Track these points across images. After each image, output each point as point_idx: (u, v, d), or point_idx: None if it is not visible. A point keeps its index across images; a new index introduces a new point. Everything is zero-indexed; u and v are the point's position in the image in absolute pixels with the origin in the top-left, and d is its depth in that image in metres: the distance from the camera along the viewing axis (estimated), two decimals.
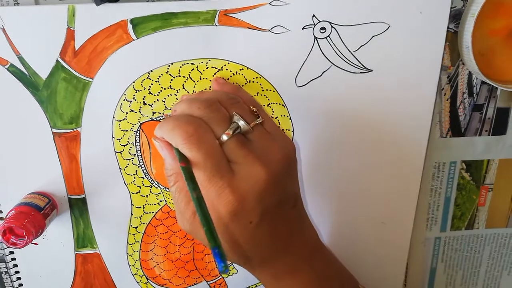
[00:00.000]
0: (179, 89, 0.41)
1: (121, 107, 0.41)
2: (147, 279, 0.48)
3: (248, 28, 0.39)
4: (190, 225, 0.34)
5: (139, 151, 0.43)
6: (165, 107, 0.41)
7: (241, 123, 0.33)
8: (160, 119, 0.42)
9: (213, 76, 0.41)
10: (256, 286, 0.49)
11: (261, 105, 0.39)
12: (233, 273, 0.49)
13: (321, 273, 0.37)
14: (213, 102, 0.34)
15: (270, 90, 0.42)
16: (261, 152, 0.32)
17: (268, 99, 0.42)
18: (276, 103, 0.42)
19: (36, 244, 0.45)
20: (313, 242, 0.38)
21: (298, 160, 0.42)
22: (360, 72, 0.42)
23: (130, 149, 0.43)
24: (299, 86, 0.42)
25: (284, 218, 0.35)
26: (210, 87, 0.41)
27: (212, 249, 0.27)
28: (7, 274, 0.46)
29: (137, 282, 0.48)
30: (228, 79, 0.41)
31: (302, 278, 0.36)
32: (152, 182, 0.44)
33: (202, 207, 0.29)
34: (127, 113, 0.41)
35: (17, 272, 0.46)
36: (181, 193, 0.34)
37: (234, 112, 0.33)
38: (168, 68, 0.40)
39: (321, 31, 0.40)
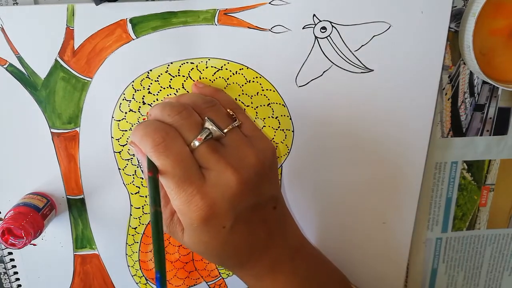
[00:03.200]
0: (179, 89, 0.41)
1: (120, 106, 0.41)
2: (147, 280, 0.47)
3: (248, 27, 0.39)
4: (167, 227, 0.34)
5: None
6: None
7: (213, 128, 0.32)
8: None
9: (212, 75, 0.41)
10: None
11: (241, 107, 0.38)
12: (233, 274, 0.48)
13: (304, 273, 0.38)
14: (185, 107, 0.33)
15: (270, 89, 0.41)
16: (234, 157, 0.32)
17: (268, 99, 0.42)
18: (276, 103, 0.42)
19: (34, 244, 0.45)
20: (296, 242, 0.38)
21: (296, 163, 0.42)
22: (361, 72, 0.41)
23: (129, 149, 0.42)
24: (300, 86, 0.41)
25: (262, 220, 0.35)
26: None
27: (155, 272, 0.28)
28: (6, 275, 0.46)
29: (136, 283, 0.48)
30: (227, 79, 0.41)
31: (284, 278, 0.36)
32: None
33: (157, 223, 0.29)
34: (126, 113, 0.41)
35: (15, 273, 0.46)
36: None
37: (206, 117, 0.33)
38: (167, 68, 0.40)
39: (322, 30, 0.40)
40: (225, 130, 0.33)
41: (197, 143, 0.32)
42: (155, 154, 0.31)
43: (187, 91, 0.41)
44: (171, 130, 0.32)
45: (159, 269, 0.28)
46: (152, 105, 0.41)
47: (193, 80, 0.41)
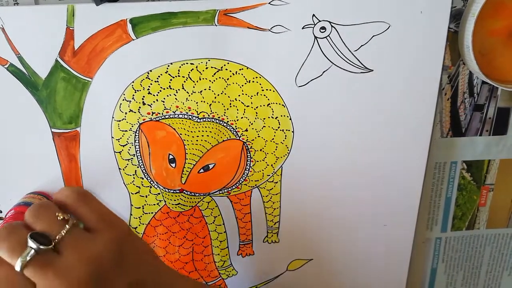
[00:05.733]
0: (179, 89, 0.41)
1: (120, 107, 0.41)
2: None
3: (248, 27, 0.39)
4: None
5: (138, 151, 0.43)
6: (164, 107, 0.41)
7: (34, 246, 0.30)
8: (160, 120, 0.42)
9: (212, 76, 0.41)
10: (256, 287, 0.49)
11: (76, 198, 0.33)
12: (232, 274, 0.48)
13: None
14: (10, 228, 0.31)
15: (270, 90, 0.41)
16: (64, 265, 0.31)
17: (268, 99, 0.42)
18: (276, 103, 0.42)
19: None
20: None
21: (296, 164, 0.42)
22: (361, 72, 0.41)
23: (129, 149, 0.42)
24: (299, 86, 0.42)
25: None
26: (206, 88, 0.41)
27: None
28: None
29: None
30: (228, 79, 0.41)
31: None
32: (152, 182, 0.44)
33: None
34: (126, 113, 0.41)
35: None
36: None
37: (28, 235, 0.30)
38: (167, 68, 0.40)
39: (321, 30, 0.40)
40: (56, 239, 0.31)
41: (20, 266, 0.30)
42: None
43: (187, 92, 0.41)
44: None
45: None
46: (151, 106, 0.40)
47: (193, 81, 0.41)
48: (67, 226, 0.32)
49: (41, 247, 0.31)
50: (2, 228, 0.31)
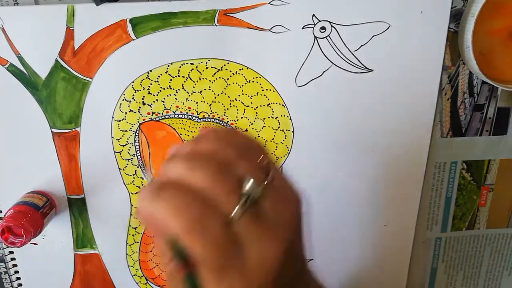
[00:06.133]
0: (179, 89, 0.41)
1: (120, 107, 0.41)
2: (147, 279, 0.48)
3: (248, 27, 0.39)
4: None
5: (138, 151, 0.43)
6: (164, 107, 0.41)
7: (253, 190, 0.25)
8: (160, 120, 0.42)
9: (212, 76, 0.41)
10: None
11: (263, 148, 0.29)
12: None
13: None
14: (219, 164, 0.25)
15: (270, 90, 0.41)
16: (274, 222, 0.26)
17: (268, 99, 0.42)
18: (276, 103, 0.42)
19: (35, 244, 0.45)
20: None
21: (296, 164, 0.42)
22: (361, 72, 0.41)
23: (129, 149, 0.42)
24: (299, 86, 0.42)
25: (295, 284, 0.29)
26: (206, 88, 0.41)
27: None
28: (7, 274, 0.46)
29: (137, 283, 0.48)
30: (228, 79, 0.41)
31: None
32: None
33: None
34: (126, 113, 0.41)
35: (16, 272, 0.46)
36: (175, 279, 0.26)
37: (247, 177, 0.25)
38: (167, 68, 0.40)
39: (321, 30, 0.40)
40: (260, 188, 0.25)
41: (237, 215, 0.24)
42: (189, 239, 0.24)
43: (187, 92, 0.41)
44: (207, 204, 0.24)
45: None
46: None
47: (193, 81, 0.41)
48: (268, 178, 0.26)
49: (258, 192, 0.25)
50: (216, 166, 0.25)
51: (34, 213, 0.40)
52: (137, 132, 0.42)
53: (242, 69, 0.41)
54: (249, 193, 0.25)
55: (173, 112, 0.42)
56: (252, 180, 0.25)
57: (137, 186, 0.44)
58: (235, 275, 0.25)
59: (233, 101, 0.42)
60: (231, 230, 0.24)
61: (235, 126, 0.43)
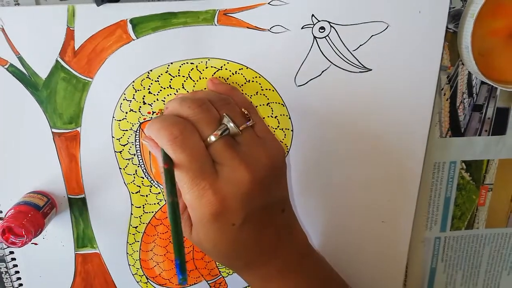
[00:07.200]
0: (179, 89, 0.41)
1: (120, 106, 0.41)
2: (147, 278, 0.48)
3: (248, 27, 0.40)
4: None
5: (138, 151, 0.43)
6: None
7: (230, 125, 0.33)
8: None
9: (212, 76, 0.41)
10: None
11: (255, 108, 0.38)
12: (233, 272, 0.49)
13: (310, 278, 0.38)
14: (204, 102, 0.34)
15: (270, 89, 0.42)
16: (248, 155, 0.32)
17: (268, 99, 0.42)
18: (276, 103, 0.42)
19: (36, 244, 0.45)
20: (303, 247, 0.39)
21: (295, 163, 0.42)
22: (359, 72, 0.42)
23: (130, 149, 0.43)
24: (299, 86, 0.42)
25: (271, 222, 0.35)
26: (206, 88, 0.41)
27: (174, 260, 0.28)
28: (7, 274, 0.46)
29: (137, 282, 0.48)
30: (227, 78, 0.41)
31: (291, 282, 0.36)
32: (152, 181, 0.44)
33: (175, 213, 0.30)
34: (126, 112, 0.41)
35: (17, 272, 0.46)
36: None
37: (224, 114, 0.33)
38: (167, 68, 0.40)
39: (320, 30, 0.40)
40: (240, 128, 0.33)
41: (213, 138, 0.32)
42: (171, 148, 0.31)
43: (187, 91, 0.41)
44: (189, 124, 0.32)
45: (178, 255, 0.28)
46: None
47: (193, 81, 0.41)
48: (248, 123, 0.34)
49: (234, 127, 0.32)
50: (202, 102, 0.33)
51: (34, 213, 0.40)
52: (138, 131, 0.42)
53: (242, 68, 0.41)
54: (225, 127, 0.32)
55: None
56: (229, 118, 0.33)
57: (137, 186, 0.44)
58: (206, 185, 0.31)
59: None
60: (207, 150, 0.32)
61: None
